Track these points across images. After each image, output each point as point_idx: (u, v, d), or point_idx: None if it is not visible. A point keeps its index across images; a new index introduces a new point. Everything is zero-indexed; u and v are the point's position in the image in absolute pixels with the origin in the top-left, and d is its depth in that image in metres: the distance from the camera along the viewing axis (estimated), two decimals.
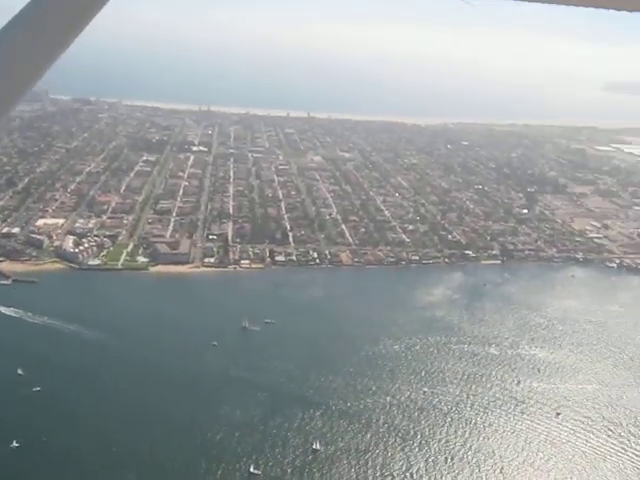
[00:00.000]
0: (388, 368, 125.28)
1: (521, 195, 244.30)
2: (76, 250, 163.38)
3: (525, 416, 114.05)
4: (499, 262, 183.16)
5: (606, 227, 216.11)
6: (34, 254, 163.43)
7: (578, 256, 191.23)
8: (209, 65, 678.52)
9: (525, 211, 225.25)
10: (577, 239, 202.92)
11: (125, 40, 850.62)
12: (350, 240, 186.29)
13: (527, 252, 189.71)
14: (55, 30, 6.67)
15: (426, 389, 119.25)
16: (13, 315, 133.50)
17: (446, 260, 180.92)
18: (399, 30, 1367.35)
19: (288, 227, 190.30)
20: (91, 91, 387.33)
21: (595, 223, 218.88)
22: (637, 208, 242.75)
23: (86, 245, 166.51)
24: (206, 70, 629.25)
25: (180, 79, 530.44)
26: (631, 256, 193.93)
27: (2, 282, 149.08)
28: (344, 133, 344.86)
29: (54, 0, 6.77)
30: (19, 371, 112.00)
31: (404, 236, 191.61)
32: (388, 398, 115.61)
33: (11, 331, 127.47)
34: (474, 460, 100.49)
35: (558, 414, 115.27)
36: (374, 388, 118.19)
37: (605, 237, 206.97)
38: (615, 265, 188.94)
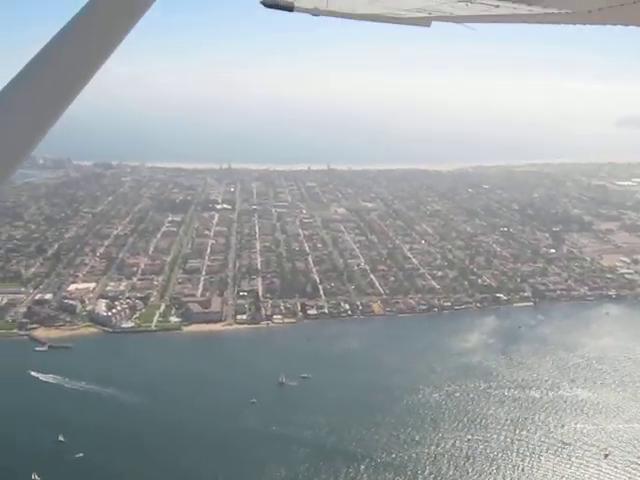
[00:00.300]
0: (430, 417, 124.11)
1: (547, 235, 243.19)
2: (109, 313, 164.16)
3: (573, 459, 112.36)
4: (531, 304, 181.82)
5: (636, 262, 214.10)
6: (68, 319, 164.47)
7: (611, 293, 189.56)
8: (225, 125, 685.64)
9: (553, 251, 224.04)
10: (608, 276, 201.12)
11: (134, 104, 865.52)
12: (380, 290, 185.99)
13: (559, 292, 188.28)
14: (75, 67, 6.86)
15: (470, 436, 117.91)
16: (51, 382, 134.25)
17: (478, 305, 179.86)
18: (410, 77, 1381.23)
19: (317, 280, 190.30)
20: (112, 155, 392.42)
21: (624, 259, 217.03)
22: None
23: (119, 308, 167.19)
24: (223, 130, 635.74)
25: (198, 140, 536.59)
26: None
27: (38, 349, 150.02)
28: (365, 183, 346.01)
29: (74, 37, 6.97)
30: (60, 438, 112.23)
31: (434, 283, 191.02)
32: (432, 448, 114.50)
33: (50, 398, 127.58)
34: None
35: (606, 455, 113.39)
36: (417, 438, 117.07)
37: (636, 272, 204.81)
38: None
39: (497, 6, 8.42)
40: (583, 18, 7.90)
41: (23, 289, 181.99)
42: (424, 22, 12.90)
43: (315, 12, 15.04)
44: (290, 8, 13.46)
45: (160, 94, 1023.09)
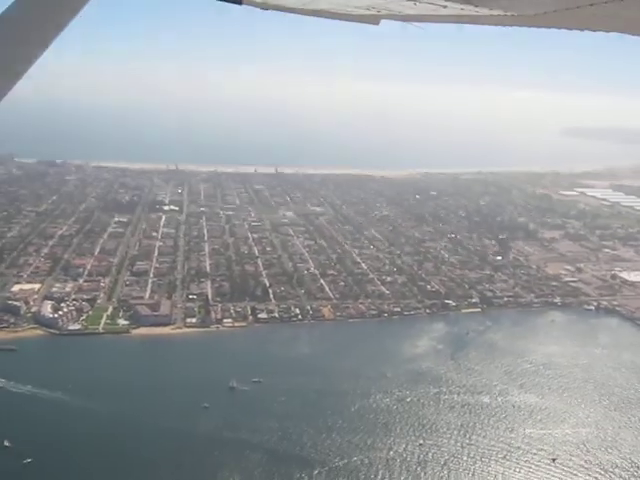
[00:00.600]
0: (381, 422, 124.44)
1: (494, 242, 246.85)
2: (55, 315, 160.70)
3: (522, 463, 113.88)
4: (479, 310, 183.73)
5: (579, 270, 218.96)
6: (12, 321, 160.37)
7: (556, 300, 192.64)
8: (173, 123, 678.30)
9: (499, 258, 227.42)
10: (553, 284, 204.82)
11: (78, 102, 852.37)
12: (330, 294, 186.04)
13: (506, 299, 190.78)
14: (36, 29, 6.69)
15: (422, 441, 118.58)
16: None
17: (427, 310, 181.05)
18: (362, 83, 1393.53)
19: (267, 284, 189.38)
20: (56, 154, 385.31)
21: (568, 267, 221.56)
22: (606, 250, 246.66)
23: (65, 310, 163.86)
24: (171, 128, 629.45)
25: (146, 138, 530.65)
26: (607, 298, 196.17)
27: None
28: (313, 187, 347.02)
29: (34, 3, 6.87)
30: (6, 443, 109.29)
31: (383, 288, 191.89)
32: (385, 452, 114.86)
33: None
34: None
35: (554, 459, 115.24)
36: (370, 442, 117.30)
37: (580, 280, 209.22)
38: (593, 308, 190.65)
39: (445, 6, 8.43)
40: (528, 21, 8.02)
41: None
42: (373, 20, 12.99)
43: (264, 6, 14.84)
44: (239, 1, 13.35)
45: (107, 92, 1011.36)
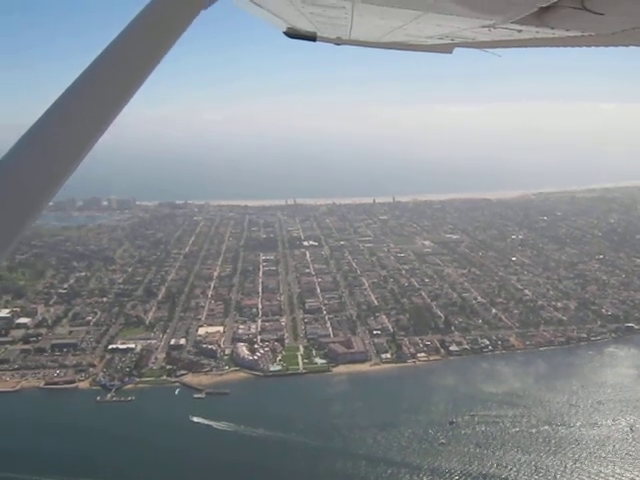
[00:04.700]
0: (623, 451, 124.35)
1: None
2: (254, 357, 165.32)
3: None
4: None
5: None
6: (213, 364, 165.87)
7: None
8: (275, 159, 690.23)
9: None
10: None
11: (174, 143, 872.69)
12: (509, 323, 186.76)
13: None
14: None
15: None
16: (228, 430, 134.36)
17: (613, 335, 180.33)
18: (452, 107, 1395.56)
19: (442, 315, 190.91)
20: (175, 195, 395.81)
21: None
22: None
23: (261, 351, 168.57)
24: (277, 164, 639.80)
25: (255, 175, 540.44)
26: None
27: (197, 396, 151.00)
28: (436, 214, 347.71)
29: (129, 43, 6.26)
30: None
31: (558, 314, 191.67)
32: None
33: (237, 446, 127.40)
34: None
35: None
36: (620, 472, 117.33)
37: None
38: None
39: (520, 31, 8.54)
40: (606, 40, 7.98)
41: (152, 334, 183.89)
42: (446, 49, 13.26)
43: (338, 41, 15.03)
44: (313, 38, 13.81)
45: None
